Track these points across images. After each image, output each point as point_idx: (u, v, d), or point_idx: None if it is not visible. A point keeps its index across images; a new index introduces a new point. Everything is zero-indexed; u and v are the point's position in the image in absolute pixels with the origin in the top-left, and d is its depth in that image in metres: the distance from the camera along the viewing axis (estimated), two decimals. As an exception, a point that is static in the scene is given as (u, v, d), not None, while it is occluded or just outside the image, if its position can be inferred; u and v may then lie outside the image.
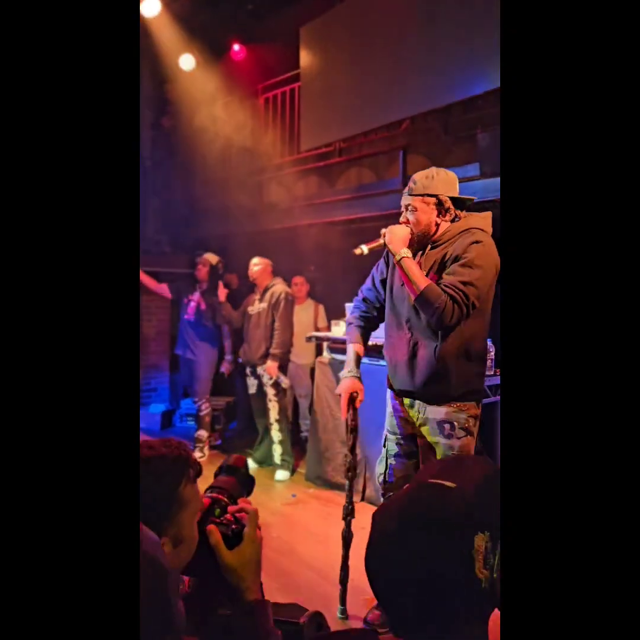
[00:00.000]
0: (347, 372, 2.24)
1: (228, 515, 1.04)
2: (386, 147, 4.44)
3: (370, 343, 3.45)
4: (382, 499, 2.29)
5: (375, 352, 3.55)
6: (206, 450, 4.51)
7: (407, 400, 2.16)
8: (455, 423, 2.02)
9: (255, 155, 5.61)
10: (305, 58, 4.87)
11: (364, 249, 2.11)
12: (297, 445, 4.31)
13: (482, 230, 2.05)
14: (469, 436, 2.04)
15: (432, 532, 0.75)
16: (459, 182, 2.15)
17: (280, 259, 4.35)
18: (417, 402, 2.12)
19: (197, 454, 4.42)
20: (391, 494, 2.20)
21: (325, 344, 4.06)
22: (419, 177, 2.07)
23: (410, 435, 2.17)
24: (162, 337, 6.04)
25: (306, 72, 4.87)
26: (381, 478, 2.25)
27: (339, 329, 3.96)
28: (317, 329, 4.65)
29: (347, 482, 2.24)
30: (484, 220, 2.11)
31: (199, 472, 1.05)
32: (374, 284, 2.31)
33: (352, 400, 2.20)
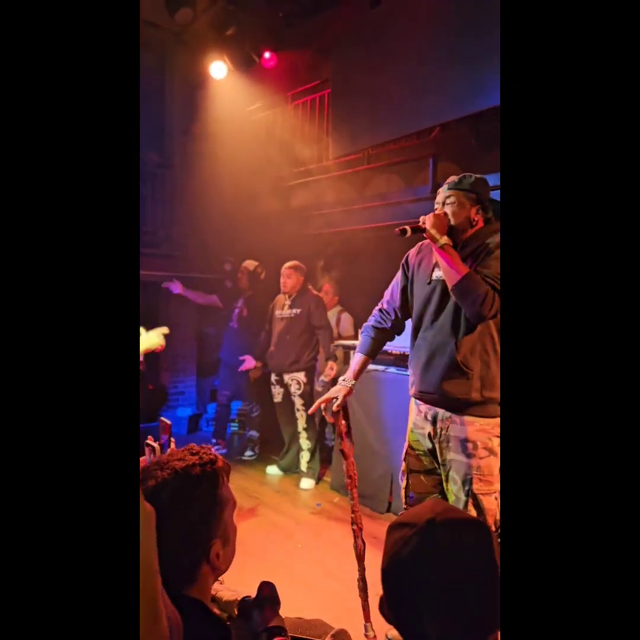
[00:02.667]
0: (341, 380, 2.17)
1: None
2: (416, 155, 4.40)
3: (398, 353, 3.42)
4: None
5: (402, 361, 3.51)
6: (257, 448, 4.68)
7: (429, 415, 2.09)
8: (478, 442, 1.95)
9: (285, 162, 5.63)
10: (335, 65, 4.87)
11: (408, 229, 1.99)
12: (322, 453, 4.29)
13: None
14: (492, 456, 1.96)
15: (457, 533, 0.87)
16: (491, 190, 2.12)
17: (307, 265, 4.35)
18: (440, 415, 2.04)
19: (248, 453, 4.68)
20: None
21: (352, 353, 4.03)
22: (460, 176, 2.08)
23: (431, 451, 2.10)
24: (189, 342, 6.10)
25: (336, 80, 4.87)
26: (403, 493, 2.21)
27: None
28: (339, 336, 4.62)
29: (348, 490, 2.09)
30: None
31: (228, 471, 1.13)
32: (392, 295, 2.29)
33: (344, 408, 2.09)
